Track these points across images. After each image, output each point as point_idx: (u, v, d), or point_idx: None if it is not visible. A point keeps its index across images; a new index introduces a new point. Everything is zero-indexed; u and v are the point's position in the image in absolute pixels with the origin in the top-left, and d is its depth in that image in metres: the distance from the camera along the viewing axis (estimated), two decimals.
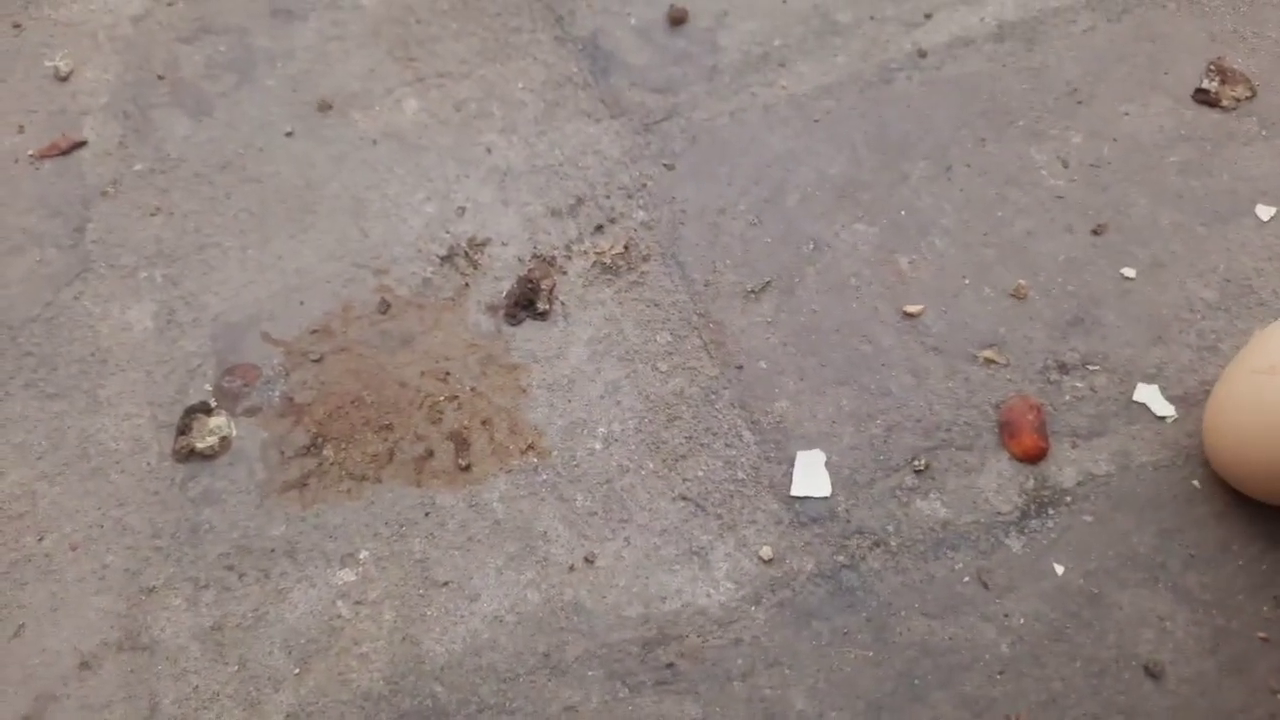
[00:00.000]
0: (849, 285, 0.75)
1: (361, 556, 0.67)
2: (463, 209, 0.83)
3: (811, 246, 0.78)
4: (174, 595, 0.67)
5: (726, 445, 0.68)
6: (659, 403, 0.71)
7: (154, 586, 0.67)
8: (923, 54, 0.89)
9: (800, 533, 0.63)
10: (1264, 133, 0.80)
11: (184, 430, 0.74)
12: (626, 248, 0.79)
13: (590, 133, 0.87)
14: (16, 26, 0.99)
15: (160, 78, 0.95)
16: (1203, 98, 0.83)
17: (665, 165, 0.84)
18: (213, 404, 0.75)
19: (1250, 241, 0.75)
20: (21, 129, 0.92)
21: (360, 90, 0.92)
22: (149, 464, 0.73)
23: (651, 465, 0.68)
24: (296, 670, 0.63)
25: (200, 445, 0.72)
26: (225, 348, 0.78)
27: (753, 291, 0.76)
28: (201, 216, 0.85)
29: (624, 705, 0.59)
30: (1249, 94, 0.82)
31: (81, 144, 0.91)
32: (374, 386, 0.75)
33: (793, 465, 0.66)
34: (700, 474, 0.67)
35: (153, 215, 0.85)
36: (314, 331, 0.78)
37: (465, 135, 0.88)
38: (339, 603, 0.65)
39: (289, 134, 0.89)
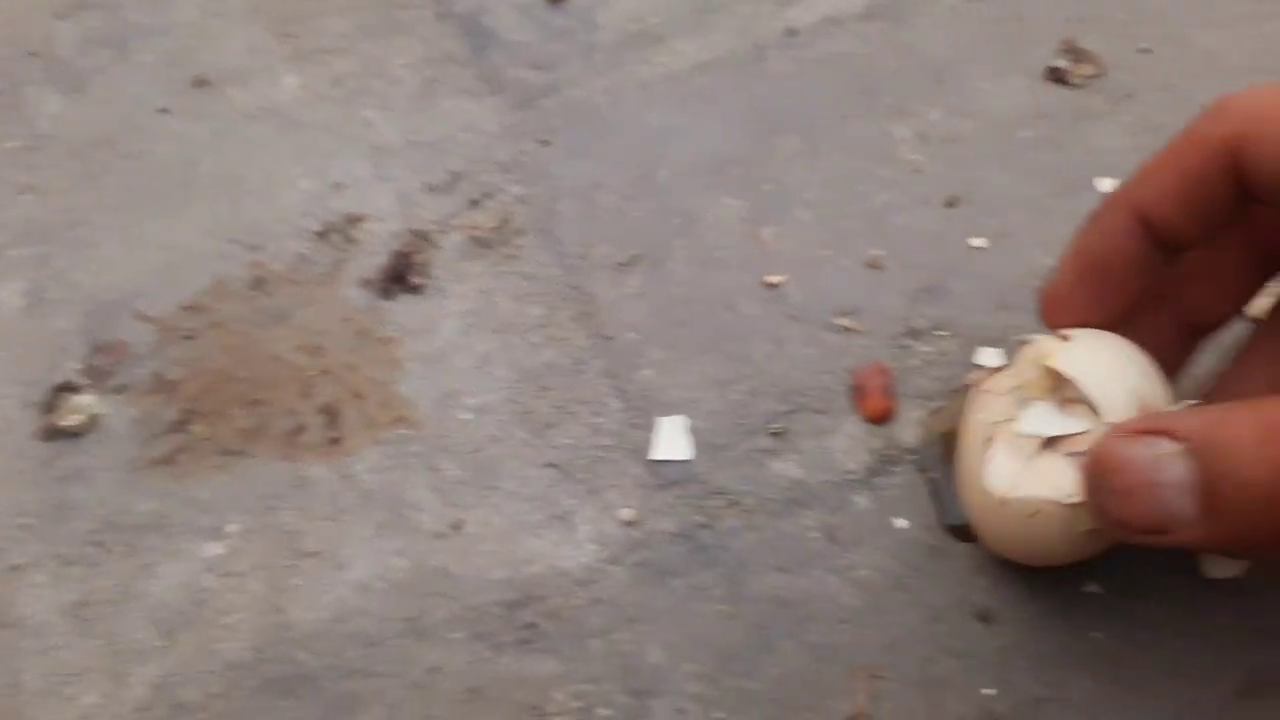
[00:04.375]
0: (715, 258, 0.78)
1: (230, 530, 0.67)
2: (339, 185, 0.84)
3: (681, 220, 0.80)
4: (39, 573, 0.67)
5: (593, 413, 0.70)
6: (530, 373, 0.72)
7: (19, 565, 0.67)
8: (794, 33, 0.91)
9: (661, 495, 0.65)
10: (1110, 109, 0.84)
11: (51, 408, 0.73)
12: (502, 222, 0.81)
13: (469, 109, 0.88)
14: None
15: (33, 54, 0.93)
16: (1055, 76, 0.87)
17: (542, 141, 0.86)
18: (81, 382, 0.75)
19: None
20: None
21: (238, 67, 0.92)
22: (15, 443, 0.72)
23: (521, 434, 0.70)
24: (162, 643, 0.63)
25: (67, 423, 0.72)
26: (96, 325, 0.78)
27: (623, 264, 0.78)
28: (74, 194, 0.85)
29: (487, 665, 0.61)
30: (1098, 72, 0.86)
31: None
32: (246, 362, 0.75)
33: (656, 431, 0.68)
34: (568, 441, 0.69)
35: (22, 193, 0.84)
36: (186, 308, 0.78)
37: (344, 111, 0.89)
38: (206, 575, 0.66)
39: (164, 111, 0.89)
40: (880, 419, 0.69)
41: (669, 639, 0.63)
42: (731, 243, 0.79)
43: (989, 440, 0.57)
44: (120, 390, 0.75)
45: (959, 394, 0.69)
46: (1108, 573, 0.63)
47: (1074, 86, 0.86)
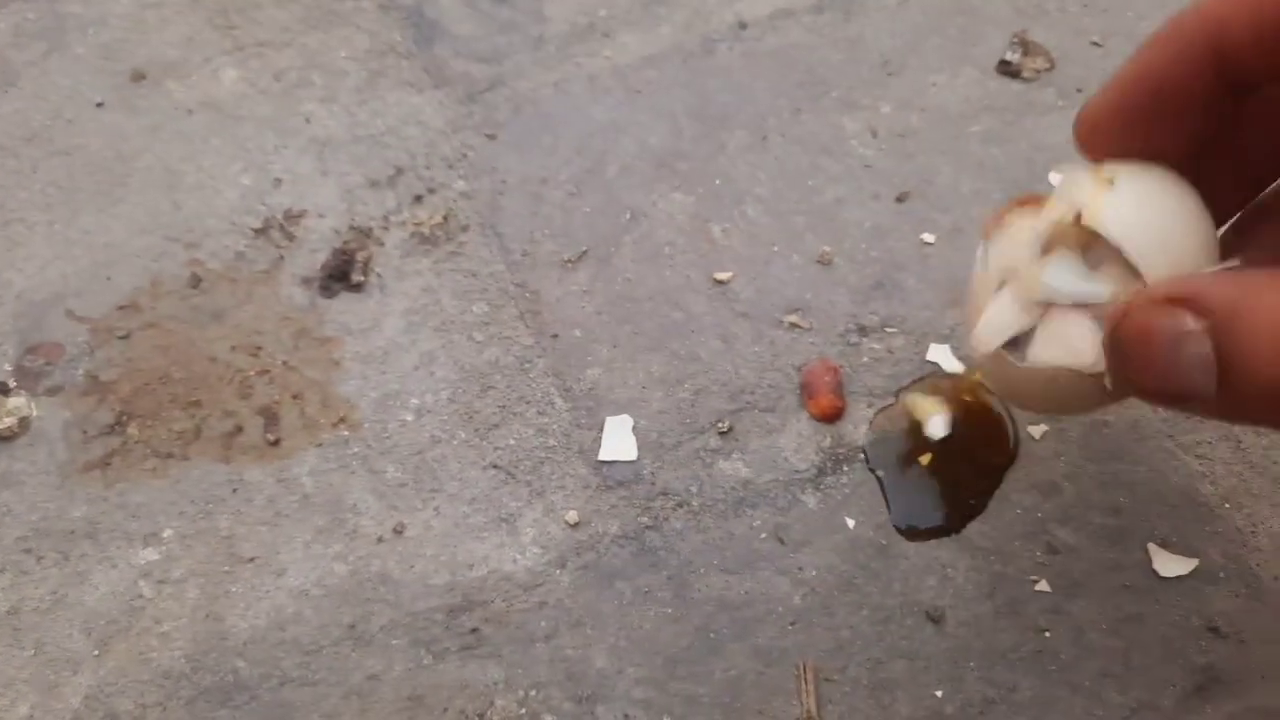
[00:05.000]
0: (663, 254, 0.77)
1: (165, 535, 0.66)
2: (280, 180, 0.82)
3: (629, 216, 0.79)
4: None
5: (539, 413, 0.69)
6: (473, 373, 0.71)
7: None
8: (744, 25, 0.90)
9: (606, 496, 0.64)
10: (1060, 103, 0.84)
11: None
12: (445, 218, 0.79)
13: (413, 102, 0.87)
14: None
15: None
16: (1006, 69, 0.86)
17: (487, 135, 0.84)
18: (12, 384, 0.72)
19: None
20: None
21: (177, 59, 0.90)
22: None
23: (464, 435, 0.68)
24: (96, 652, 0.62)
25: None
26: (28, 326, 0.75)
27: (569, 261, 0.77)
28: (5, 191, 0.82)
29: (427, 672, 0.59)
30: (1048, 66, 0.86)
31: None
32: (183, 362, 0.74)
33: (602, 431, 0.67)
34: (512, 442, 0.68)
35: None
36: (121, 308, 0.76)
37: (285, 105, 0.87)
38: (141, 582, 0.64)
39: (100, 105, 0.87)
40: (829, 417, 0.68)
41: (615, 643, 0.62)
42: (680, 239, 0.78)
43: (1003, 289, 0.50)
44: (53, 392, 0.73)
45: (909, 389, 0.69)
46: (1058, 572, 0.62)
47: (1025, 80, 0.86)
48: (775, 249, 0.76)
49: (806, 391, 0.69)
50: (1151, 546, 0.63)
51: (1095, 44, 0.88)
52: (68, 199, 0.81)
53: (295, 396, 0.72)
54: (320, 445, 0.70)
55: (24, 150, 0.84)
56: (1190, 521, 0.64)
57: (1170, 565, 0.62)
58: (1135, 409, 0.68)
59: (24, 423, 0.71)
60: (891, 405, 0.69)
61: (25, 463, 0.70)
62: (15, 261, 0.78)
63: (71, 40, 0.90)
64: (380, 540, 0.66)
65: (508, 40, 0.90)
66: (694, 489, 0.67)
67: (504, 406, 0.71)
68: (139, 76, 0.88)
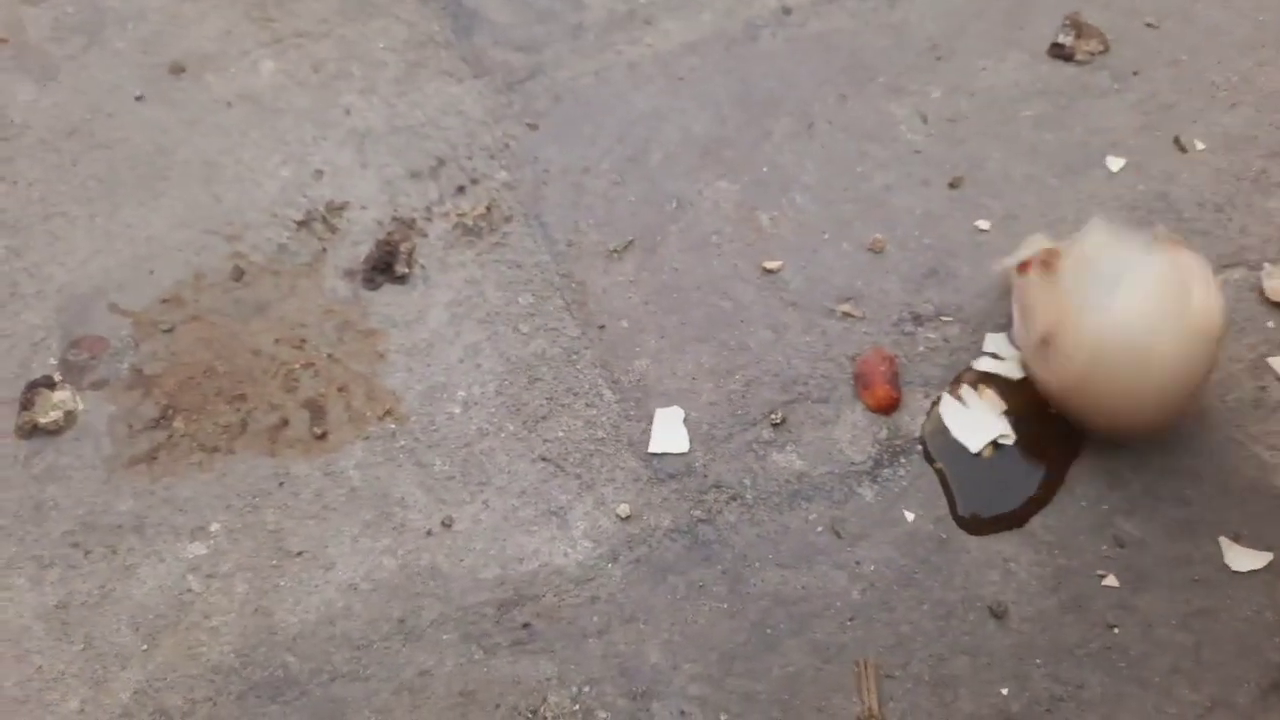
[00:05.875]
0: (710, 243, 0.75)
1: (213, 529, 0.65)
2: (320, 172, 0.81)
3: (674, 205, 0.78)
4: (16, 575, 0.65)
5: (587, 405, 0.68)
6: (520, 364, 0.70)
7: None
8: (788, 11, 0.89)
9: (658, 489, 0.63)
10: (1116, 86, 0.82)
11: (26, 405, 0.71)
12: (488, 209, 0.78)
13: (452, 92, 0.86)
14: None
15: (3, 41, 0.90)
16: (1058, 52, 0.84)
17: (529, 125, 0.83)
18: (57, 378, 0.72)
19: (1100, 192, 0.76)
20: None
21: (215, 52, 0.89)
22: None
23: (511, 427, 0.67)
24: (144, 646, 0.61)
25: (43, 420, 0.70)
26: (71, 320, 0.75)
27: (615, 251, 0.75)
28: (47, 185, 0.82)
29: (479, 667, 0.58)
30: (1102, 48, 0.84)
31: None
32: (227, 356, 0.73)
33: (652, 423, 0.66)
34: (560, 434, 0.67)
35: None
36: (164, 301, 0.76)
37: (324, 97, 0.86)
38: (189, 577, 0.63)
39: (139, 98, 0.86)
40: (885, 408, 0.67)
41: (669, 639, 0.60)
42: (727, 227, 0.77)
43: None
44: (98, 386, 0.72)
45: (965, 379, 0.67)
46: (1126, 565, 0.61)
47: (1078, 63, 0.84)
48: (825, 237, 0.75)
49: (861, 382, 0.68)
50: (1222, 540, 0.61)
51: (1150, 25, 0.86)
52: (108, 192, 0.81)
53: (341, 389, 0.71)
54: (367, 438, 0.69)
55: (64, 144, 0.84)
56: (1262, 514, 0.62)
57: (1242, 559, 0.60)
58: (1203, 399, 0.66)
59: (70, 417, 0.71)
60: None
61: (71, 457, 0.69)
62: (57, 255, 0.78)
63: (111, 34, 0.90)
64: (429, 534, 0.65)
65: (547, 29, 0.88)
66: (747, 481, 0.65)
67: (552, 398, 0.70)
68: (178, 69, 0.88)
